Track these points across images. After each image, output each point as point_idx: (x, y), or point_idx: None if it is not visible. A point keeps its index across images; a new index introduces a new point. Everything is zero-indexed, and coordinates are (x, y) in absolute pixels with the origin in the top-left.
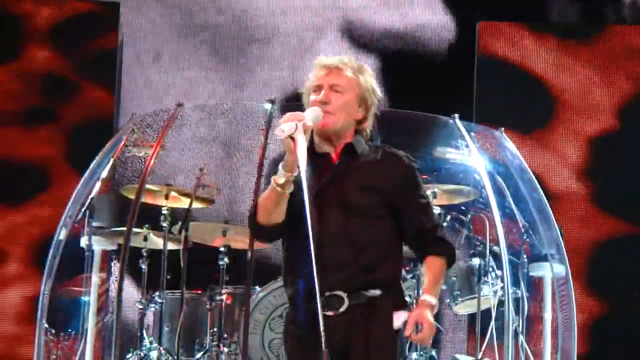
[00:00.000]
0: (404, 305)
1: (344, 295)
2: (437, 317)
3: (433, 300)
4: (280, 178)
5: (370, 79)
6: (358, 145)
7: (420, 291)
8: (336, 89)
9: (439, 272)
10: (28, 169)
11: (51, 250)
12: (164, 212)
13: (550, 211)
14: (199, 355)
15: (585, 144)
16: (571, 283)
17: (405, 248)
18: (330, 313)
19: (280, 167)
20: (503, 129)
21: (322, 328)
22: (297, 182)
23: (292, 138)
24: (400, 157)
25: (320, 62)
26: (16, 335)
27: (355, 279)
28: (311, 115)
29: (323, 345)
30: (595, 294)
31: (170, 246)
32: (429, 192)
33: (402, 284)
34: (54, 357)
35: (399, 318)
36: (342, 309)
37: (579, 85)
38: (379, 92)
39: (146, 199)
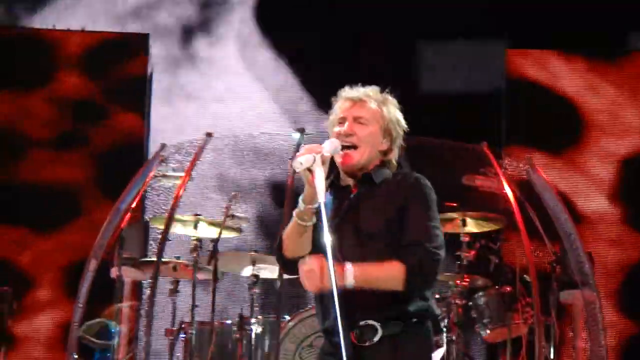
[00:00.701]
0: (437, 333)
1: (377, 324)
2: (468, 345)
3: (349, 267)
4: (299, 211)
5: (394, 110)
6: (377, 174)
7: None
8: (360, 121)
9: (386, 270)
10: (58, 195)
11: (81, 281)
12: (193, 242)
13: (579, 238)
14: None
15: (616, 164)
16: (600, 309)
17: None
18: (364, 344)
19: (300, 200)
20: (531, 156)
21: (344, 356)
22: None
23: (310, 170)
24: (410, 176)
25: (344, 94)
26: None
27: (387, 309)
28: (330, 147)
29: None
30: (628, 315)
31: (200, 276)
32: (458, 220)
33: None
34: None
35: (437, 355)
36: (375, 339)
37: (608, 106)
38: (403, 122)
39: (175, 229)
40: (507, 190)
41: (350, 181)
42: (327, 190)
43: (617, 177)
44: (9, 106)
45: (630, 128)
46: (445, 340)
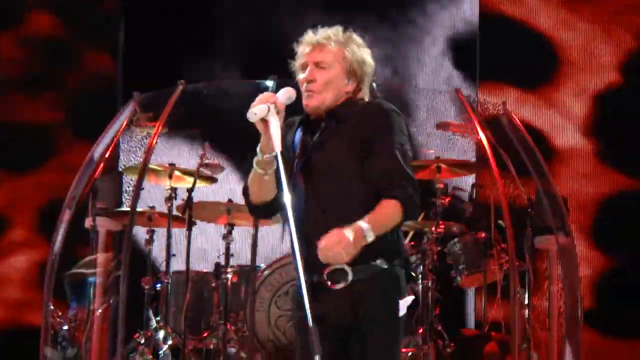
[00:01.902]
0: (409, 280)
1: (348, 268)
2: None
3: (364, 225)
4: (258, 160)
5: (358, 49)
6: (342, 109)
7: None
8: (321, 66)
9: (388, 210)
10: (30, 135)
11: (54, 233)
12: (168, 191)
13: (553, 183)
14: (205, 334)
15: (590, 100)
16: (575, 254)
17: (410, 223)
18: (334, 287)
19: (257, 149)
20: (505, 100)
21: (307, 303)
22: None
23: (265, 120)
24: (376, 104)
25: (304, 39)
26: (22, 301)
27: (359, 253)
28: (284, 96)
29: (309, 322)
30: (601, 249)
31: (175, 226)
32: (433, 167)
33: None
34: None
35: (405, 303)
36: (344, 283)
37: (582, 42)
38: (370, 60)
39: (149, 179)
40: (481, 136)
41: (319, 121)
42: (297, 128)
43: (590, 112)
44: None
45: (604, 64)
46: (420, 287)
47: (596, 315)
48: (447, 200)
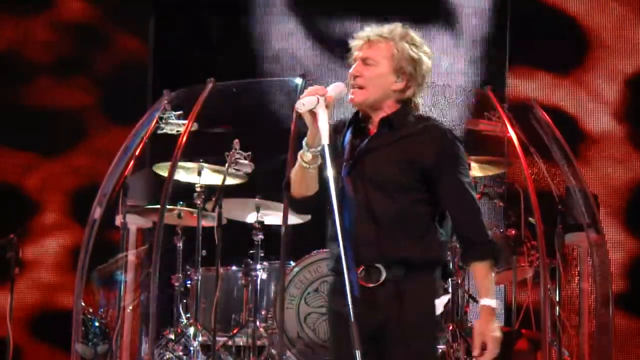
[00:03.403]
0: (445, 278)
1: (382, 267)
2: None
3: (493, 303)
4: (304, 153)
5: (410, 47)
6: (397, 118)
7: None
8: (367, 62)
9: (490, 272)
10: (62, 119)
11: (86, 229)
12: (197, 189)
13: (584, 180)
14: (235, 330)
15: (621, 83)
16: (606, 251)
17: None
18: (369, 285)
19: (303, 142)
20: (535, 99)
21: (349, 300)
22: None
23: (313, 113)
24: (441, 130)
25: (358, 34)
26: (54, 284)
27: (392, 254)
28: (335, 90)
29: (351, 316)
30: (634, 234)
31: (205, 223)
32: None
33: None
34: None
35: (441, 302)
36: (379, 281)
37: (614, 24)
38: (426, 60)
39: (179, 176)
40: (511, 134)
41: (367, 122)
42: (347, 129)
43: (623, 96)
44: (12, 32)
45: (636, 47)
46: (450, 284)
47: (629, 299)
48: (477, 197)
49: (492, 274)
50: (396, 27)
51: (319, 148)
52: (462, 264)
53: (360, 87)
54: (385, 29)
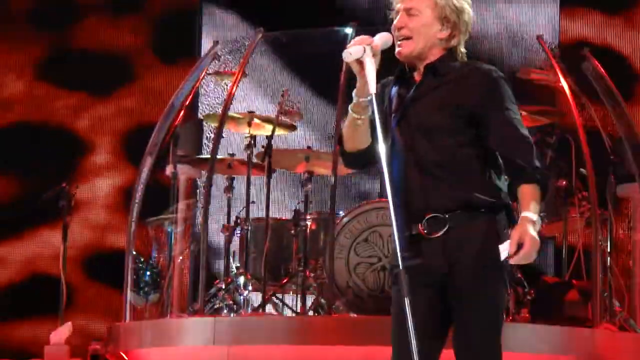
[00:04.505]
0: (510, 223)
1: (445, 216)
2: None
3: (534, 216)
4: (353, 104)
5: None
6: (442, 64)
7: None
8: (411, 12)
9: (536, 194)
10: (113, 60)
11: (137, 179)
12: (247, 139)
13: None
14: (285, 280)
15: None
16: None
17: None
18: (431, 236)
19: (353, 93)
20: (588, 49)
21: (398, 248)
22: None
23: (360, 62)
24: (485, 70)
25: None
26: (107, 223)
27: (456, 199)
28: (381, 39)
29: (400, 264)
30: None
31: (254, 173)
32: None
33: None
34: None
35: (505, 248)
36: (442, 231)
37: None
38: (468, 7)
39: (229, 127)
40: (563, 84)
41: (415, 73)
42: (394, 82)
43: None
44: None
45: None
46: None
47: None
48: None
49: (538, 197)
50: None
51: (368, 98)
52: (511, 197)
53: (407, 38)
54: None
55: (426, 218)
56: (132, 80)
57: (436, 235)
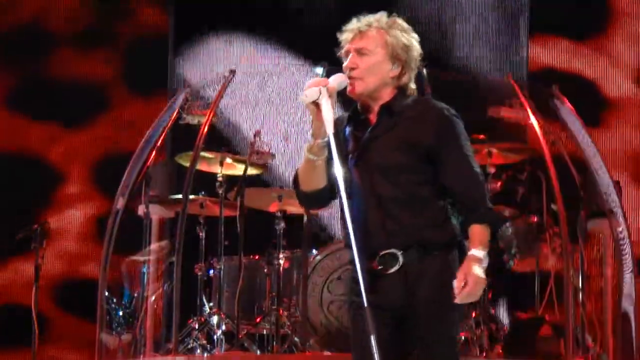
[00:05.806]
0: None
1: (399, 252)
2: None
3: (480, 254)
4: (310, 145)
5: (401, 34)
6: (396, 103)
7: None
8: (362, 52)
9: (485, 234)
10: (85, 90)
11: (109, 219)
12: (219, 179)
13: (606, 167)
14: (258, 319)
15: None
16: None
17: None
18: (386, 271)
19: (309, 135)
20: (556, 86)
21: (362, 285)
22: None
23: (316, 104)
24: (438, 108)
25: (347, 26)
26: (79, 253)
27: (409, 237)
28: (336, 80)
29: (364, 302)
30: None
31: (227, 213)
32: (484, 151)
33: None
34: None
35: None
36: (396, 267)
37: None
38: (416, 45)
39: (201, 167)
40: (533, 121)
41: (367, 112)
42: (346, 124)
43: None
44: (34, 3)
45: None
46: None
47: None
48: (499, 184)
49: (487, 236)
50: (382, 16)
51: (325, 139)
52: (462, 235)
53: (358, 79)
54: (372, 18)
55: (380, 255)
56: (105, 110)
57: (391, 271)
